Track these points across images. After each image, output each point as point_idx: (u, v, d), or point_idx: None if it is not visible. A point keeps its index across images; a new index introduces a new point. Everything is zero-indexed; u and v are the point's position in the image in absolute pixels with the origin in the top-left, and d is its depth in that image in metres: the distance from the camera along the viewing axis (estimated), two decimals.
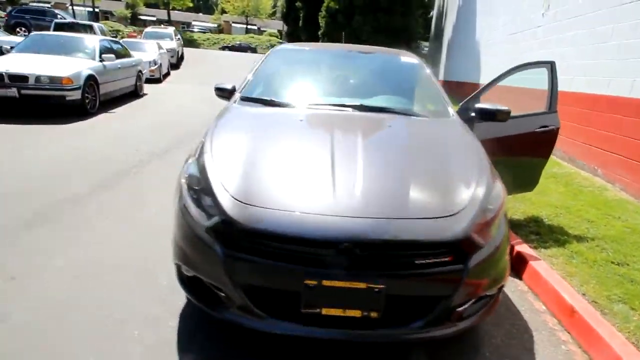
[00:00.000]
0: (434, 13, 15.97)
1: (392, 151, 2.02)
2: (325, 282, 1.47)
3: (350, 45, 3.80)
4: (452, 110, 2.68)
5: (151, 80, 11.67)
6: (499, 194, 1.80)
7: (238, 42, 38.59)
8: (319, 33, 14.87)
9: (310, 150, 1.98)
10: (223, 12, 52.65)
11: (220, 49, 36.16)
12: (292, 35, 21.19)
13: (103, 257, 2.43)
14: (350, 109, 2.49)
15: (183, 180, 1.88)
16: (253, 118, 2.39)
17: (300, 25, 18.05)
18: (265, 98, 2.64)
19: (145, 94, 10.06)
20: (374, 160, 1.84)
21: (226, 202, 1.61)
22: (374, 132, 2.24)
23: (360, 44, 14.82)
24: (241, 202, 1.60)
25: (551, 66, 3.24)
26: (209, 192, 1.69)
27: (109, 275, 2.25)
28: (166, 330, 1.86)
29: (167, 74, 15.03)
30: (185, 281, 1.79)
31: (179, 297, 2.04)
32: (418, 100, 2.79)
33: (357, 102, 2.55)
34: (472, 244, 1.57)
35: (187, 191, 1.80)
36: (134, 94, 9.52)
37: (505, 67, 3.17)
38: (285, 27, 24.96)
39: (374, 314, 1.52)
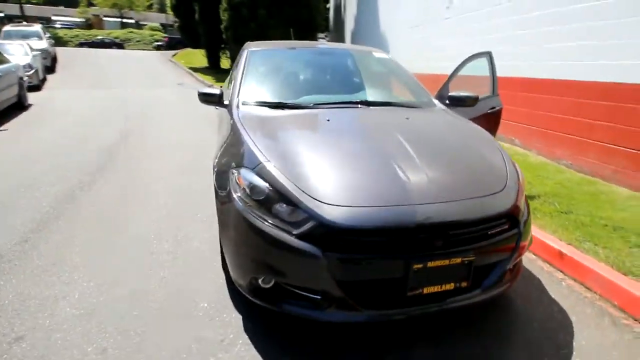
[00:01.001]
0: (332, 4, 16.61)
1: (429, 141, 2.22)
2: (430, 264, 1.63)
3: (318, 42, 3.87)
4: (435, 99, 3.01)
5: (28, 88, 9.91)
6: (518, 169, 2.15)
7: (100, 38, 34.97)
8: (222, 27, 14.27)
9: (362, 148, 2.08)
10: (90, 4, 46.43)
11: (77, 45, 32.31)
12: (186, 29, 19.87)
13: None
14: (359, 105, 2.62)
15: (238, 195, 1.82)
16: (279, 122, 2.36)
17: (197, 18, 16.98)
18: (272, 101, 2.61)
19: (31, 105, 8.61)
20: (422, 151, 2.02)
21: (316, 206, 1.65)
22: (402, 126, 2.40)
23: (267, 38, 14.55)
24: (330, 204, 1.65)
25: (489, 56, 3.81)
26: (288, 200, 1.69)
27: None
28: None
29: (44, 79, 12.92)
30: (262, 293, 1.77)
31: None
32: (408, 92, 3.04)
33: (361, 99, 2.69)
34: (520, 212, 1.88)
35: (256, 205, 1.75)
36: (19, 105, 8.11)
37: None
38: (173, 21, 23.16)
39: (464, 284, 1.74)
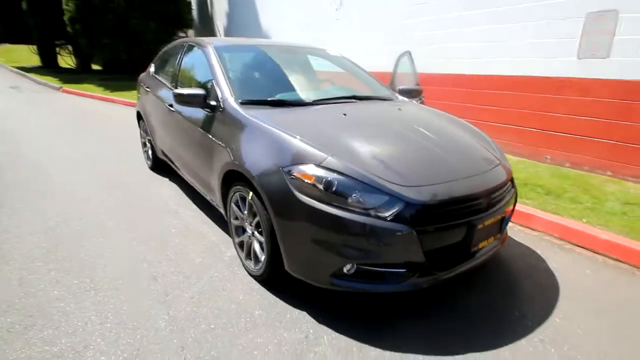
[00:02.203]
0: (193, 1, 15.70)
1: (432, 127, 2.51)
2: (486, 222, 1.97)
3: (272, 40, 3.78)
4: (395, 92, 3.37)
5: None
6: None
7: None
8: (65, 19, 11.98)
9: (395, 136, 2.25)
10: None
11: None
12: (5, 21, 15.92)
13: None
14: (353, 100, 2.78)
15: (306, 192, 1.81)
16: (300, 118, 2.35)
17: (25, 8, 13.74)
18: (270, 99, 2.54)
19: None
20: (436, 136, 2.32)
21: (400, 189, 1.80)
22: (403, 116, 2.64)
23: (129, 32, 13.02)
24: (409, 186, 1.82)
25: (410, 54, 4.43)
26: (370, 187, 1.78)
27: None
28: None
29: None
30: (344, 280, 1.85)
31: None
32: (373, 87, 3.31)
33: (351, 94, 2.85)
34: (512, 177, 2.38)
35: (334, 197, 1.78)
36: None
37: None
38: None
39: (498, 236, 2.15)
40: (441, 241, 1.89)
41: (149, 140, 4.16)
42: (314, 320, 1.97)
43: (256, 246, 2.24)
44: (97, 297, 2.13)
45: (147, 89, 3.98)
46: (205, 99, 2.55)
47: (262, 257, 2.17)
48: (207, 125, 2.59)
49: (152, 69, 4.24)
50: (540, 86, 4.37)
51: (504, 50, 4.65)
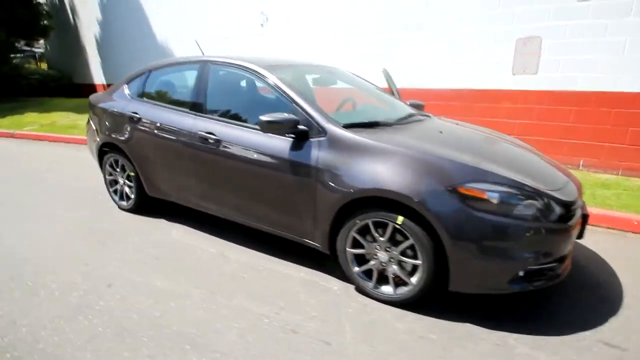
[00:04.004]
0: (47, 5, 13.00)
1: (496, 143, 2.84)
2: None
3: (285, 58, 3.55)
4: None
5: None
6: None
7: None
8: None
9: (499, 151, 2.49)
10: None
11: None
12: None
13: None
14: (418, 118, 2.96)
15: (482, 208, 1.94)
16: (408, 137, 2.41)
17: None
18: (365, 121, 2.52)
19: None
20: (512, 147, 2.68)
21: (554, 194, 2.08)
22: (472, 131, 2.92)
23: None
24: (554, 190, 2.11)
25: (386, 71, 4.77)
26: (533, 195, 2.00)
27: None
28: None
29: None
30: (517, 282, 2.02)
31: None
32: (400, 103, 3.50)
33: (405, 113, 3.02)
34: None
35: (508, 209, 1.95)
36: None
37: None
38: None
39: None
40: (573, 236, 2.22)
41: (134, 177, 3.45)
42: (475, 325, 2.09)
43: (396, 270, 2.21)
44: None
45: (134, 115, 3.31)
46: (297, 124, 2.36)
47: (414, 279, 2.16)
48: (299, 154, 2.39)
49: (126, 90, 3.53)
50: (482, 97, 5.29)
51: (452, 67, 5.45)
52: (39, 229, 3.30)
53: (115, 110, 3.50)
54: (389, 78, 4.11)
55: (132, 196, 3.59)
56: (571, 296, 2.37)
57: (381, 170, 2.15)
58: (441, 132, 2.61)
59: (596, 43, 4.35)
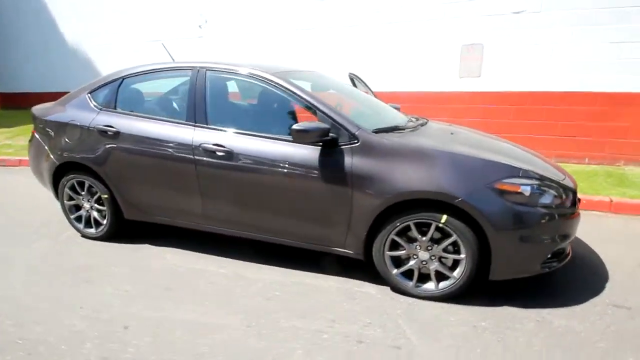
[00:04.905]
0: None
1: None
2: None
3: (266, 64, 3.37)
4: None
5: None
6: None
7: None
8: None
9: (505, 150, 2.68)
10: None
11: None
12: None
13: None
14: (422, 122, 3.09)
15: (517, 201, 2.14)
16: (430, 139, 2.54)
17: None
18: (387, 126, 2.57)
19: None
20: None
21: (567, 184, 2.37)
22: (469, 132, 3.15)
23: None
24: (563, 179, 2.42)
25: (354, 74, 4.88)
26: (556, 187, 2.27)
27: None
28: None
29: None
30: (549, 260, 2.28)
31: None
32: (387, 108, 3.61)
33: (409, 117, 3.14)
34: None
35: (535, 201, 2.18)
36: None
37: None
38: None
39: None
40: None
41: (107, 199, 3.01)
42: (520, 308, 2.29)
43: (437, 267, 2.31)
44: None
45: (107, 129, 2.88)
46: (328, 133, 2.32)
47: (455, 274, 2.27)
48: (331, 162, 2.35)
49: (91, 101, 3.06)
50: (432, 99, 5.73)
51: (404, 71, 5.80)
52: None
53: (79, 123, 3.01)
54: (359, 82, 4.21)
55: (104, 222, 3.12)
56: (567, 272, 2.72)
57: (423, 173, 2.22)
58: (452, 133, 2.79)
59: (529, 49, 5.05)
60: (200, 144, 2.61)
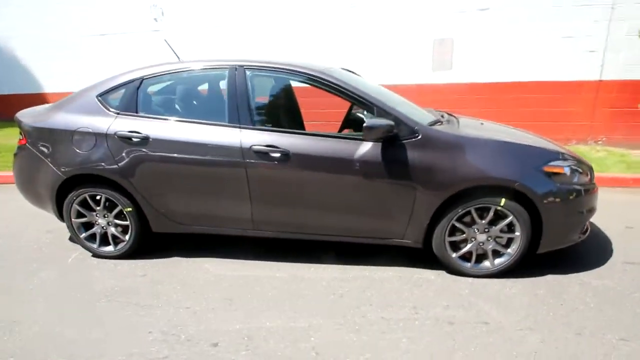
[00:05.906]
0: None
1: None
2: None
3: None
4: None
5: None
6: None
7: None
8: None
9: (520, 135, 2.97)
10: None
11: None
12: None
13: None
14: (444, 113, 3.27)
15: (563, 180, 2.43)
16: (472, 130, 2.71)
17: None
18: (438, 119, 2.75)
19: None
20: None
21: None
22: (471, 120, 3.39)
23: None
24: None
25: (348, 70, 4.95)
26: (583, 167, 2.60)
27: None
28: None
29: None
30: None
31: None
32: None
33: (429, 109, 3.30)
34: None
35: (573, 177, 2.49)
36: None
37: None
38: None
39: None
40: None
41: (132, 212, 2.74)
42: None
43: (493, 246, 2.52)
44: None
45: (133, 134, 2.61)
46: (393, 128, 2.38)
47: (510, 250, 2.51)
48: (394, 157, 2.42)
49: (102, 104, 2.73)
50: (407, 91, 6.02)
51: (379, 65, 6.00)
52: (23, 311, 2.31)
53: (91, 130, 2.68)
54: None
55: (126, 237, 2.84)
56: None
57: (483, 161, 2.40)
58: (482, 124, 3.02)
59: (495, 43, 5.56)
60: (251, 145, 2.50)
